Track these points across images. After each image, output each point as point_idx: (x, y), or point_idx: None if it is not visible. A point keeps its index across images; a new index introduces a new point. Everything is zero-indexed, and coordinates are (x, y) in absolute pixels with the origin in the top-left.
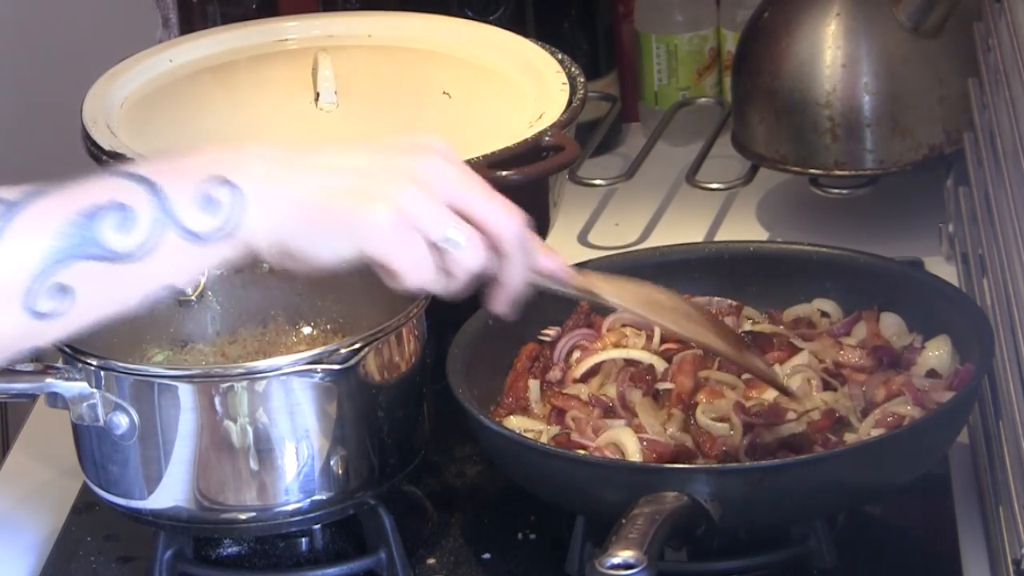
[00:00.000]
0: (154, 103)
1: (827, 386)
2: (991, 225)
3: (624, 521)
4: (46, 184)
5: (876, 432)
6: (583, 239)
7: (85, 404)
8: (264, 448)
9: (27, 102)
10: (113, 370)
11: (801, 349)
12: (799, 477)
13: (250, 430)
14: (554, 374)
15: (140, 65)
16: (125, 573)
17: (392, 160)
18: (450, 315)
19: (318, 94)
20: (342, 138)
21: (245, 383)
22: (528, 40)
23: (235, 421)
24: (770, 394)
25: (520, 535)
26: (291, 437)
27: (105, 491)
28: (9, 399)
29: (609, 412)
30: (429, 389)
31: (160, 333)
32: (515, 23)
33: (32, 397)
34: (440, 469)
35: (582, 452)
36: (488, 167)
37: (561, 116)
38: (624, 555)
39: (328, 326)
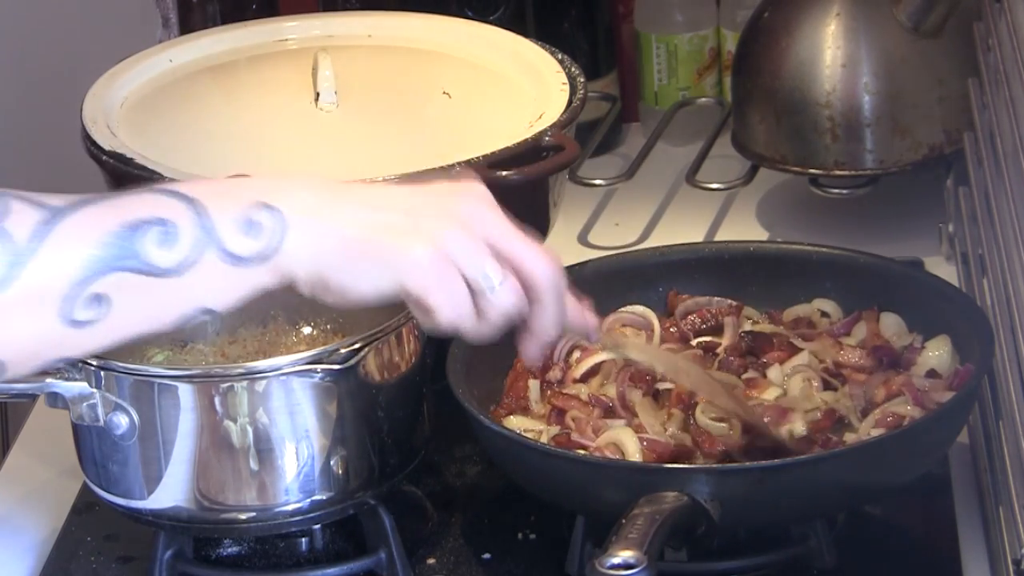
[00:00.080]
0: (154, 103)
1: (827, 386)
2: (991, 225)
3: (624, 521)
4: (92, 195)
5: (876, 432)
6: (583, 239)
7: (85, 404)
8: (264, 448)
9: (27, 102)
10: (113, 370)
11: (801, 349)
12: (799, 477)
13: (250, 430)
14: (554, 374)
15: (140, 65)
16: (125, 573)
17: (433, 199)
18: None
19: (318, 94)
20: (342, 138)
21: (245, 383)
22: (528, 40)
23: (235, 421)
24: (770, 394)
25: (520, 535)
26: (291, 437)
27: (105, 491)
28: (9, 399)
29: (609, 412)
30: (429, 389)
31: (160, 333)
32: (515, 23)
33: (32, 397)
34: (440, 469)
35: (582, 452)
36: (488, 167)
37: (561, 116)
38: (624, 555)
39: (328, 326)
